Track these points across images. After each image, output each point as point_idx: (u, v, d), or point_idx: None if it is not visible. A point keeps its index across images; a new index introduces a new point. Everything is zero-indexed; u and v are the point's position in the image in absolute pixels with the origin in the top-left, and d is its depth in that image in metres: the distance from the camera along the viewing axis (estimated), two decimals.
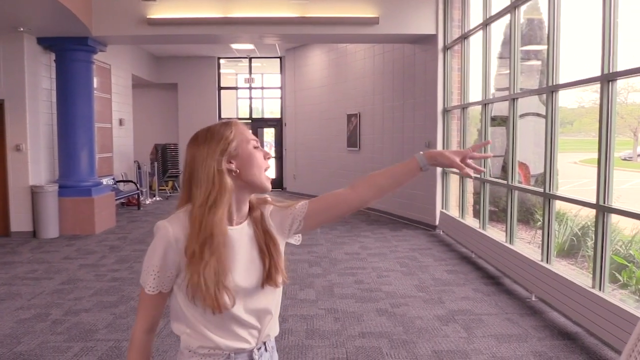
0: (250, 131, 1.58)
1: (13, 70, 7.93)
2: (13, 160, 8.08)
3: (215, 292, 1.41)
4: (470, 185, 7.90)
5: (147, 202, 12.37)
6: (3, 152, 8.08)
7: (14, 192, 8.16)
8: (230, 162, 1.50)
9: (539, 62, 7.70)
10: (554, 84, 5.00)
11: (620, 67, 4.01)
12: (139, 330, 1.52)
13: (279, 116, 14.99)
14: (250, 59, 14.73)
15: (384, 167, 1.62)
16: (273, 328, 1.60)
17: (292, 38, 10.34)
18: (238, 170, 1.50)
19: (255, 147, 1.54)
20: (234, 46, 12.60)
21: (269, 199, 1.64)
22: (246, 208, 1.56)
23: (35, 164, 8.24)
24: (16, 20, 7.29)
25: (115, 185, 10.76)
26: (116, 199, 9.89)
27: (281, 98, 14.84)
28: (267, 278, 1.53)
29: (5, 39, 7.87)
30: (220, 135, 1.51)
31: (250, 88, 15.20)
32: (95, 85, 9.13)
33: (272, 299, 1.57)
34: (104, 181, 9.80)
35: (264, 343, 1.58)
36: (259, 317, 1.53)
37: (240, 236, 1.52)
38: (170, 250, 1.44)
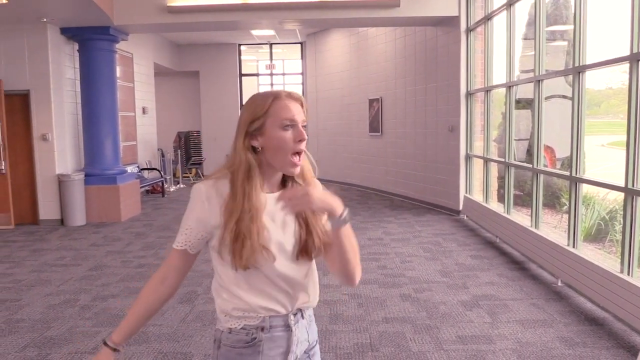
0: (295, 107, 1.47)
1: (38, 61, 8.04)
2: (40, 150, 8.24)
3: (250, 249, 1.41)
4: (494, 169, 7.80)
5: (171, 189, 12.51)
6: (30, 142, 8.24)
7: (42, 181, 8.32)
8: (256, 139, 1.46)
9: (565, 43, 7.52)
10: (581, 64, 4.87)
11: None
12: (152, 278, 1.56)
13: None
14: (271, 45, 14.69)
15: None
16: (311, 297, 1.56)
17: (312, 23, 10.26)
18: (261, 148, 1.47)
19: (288, 126, 1.44)
20: (255, 32, 12.57)
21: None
22: (277, 178, 1.52)
23: (62, 153, 8.39)
24: (40, 11, 7.38)
25: (139, 173, 10.90)
26: (141, 187, 10.02)
27: (302, 84, 14.79)
28: (302, 251, 1.50)
29: (29, 30, 7.98)
30: (253, 108, 1.48)
31: (271, 74, 15.17)
32: (118, 74, 9.21)
33: (305, 270, 1.54)
34: (129, 169, 9.93)
35: (301, 311, 1.55)
36: (290, 284, 1.51)
37: (271, 204, 1.47)
38: (203, 210, 1.46)
